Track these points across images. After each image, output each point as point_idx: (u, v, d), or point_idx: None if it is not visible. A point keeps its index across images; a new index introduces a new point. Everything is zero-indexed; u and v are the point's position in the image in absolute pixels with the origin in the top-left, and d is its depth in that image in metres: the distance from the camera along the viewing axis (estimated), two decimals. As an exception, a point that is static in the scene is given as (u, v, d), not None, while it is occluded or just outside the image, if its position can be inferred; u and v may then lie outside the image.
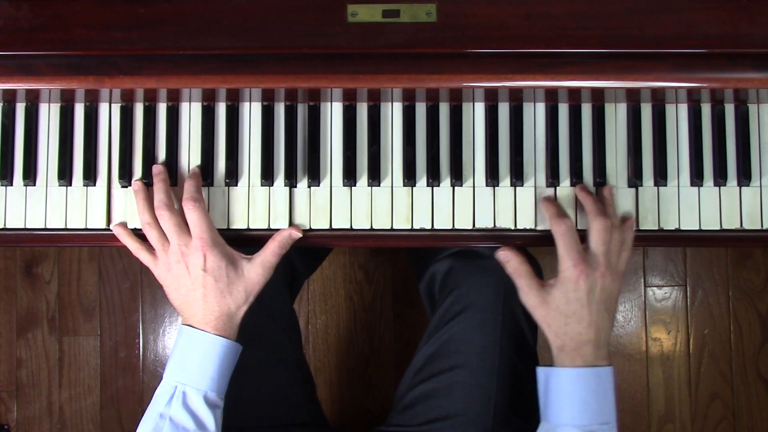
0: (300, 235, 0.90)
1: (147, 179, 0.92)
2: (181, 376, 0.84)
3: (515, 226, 0.92)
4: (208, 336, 0.85)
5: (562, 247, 0.85)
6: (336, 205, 0.92)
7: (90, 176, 0.92)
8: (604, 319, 0.85)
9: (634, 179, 0.92)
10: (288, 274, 1.12)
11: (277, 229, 0.91)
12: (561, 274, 0.85)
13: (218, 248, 0.86)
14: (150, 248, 0.89)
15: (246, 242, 0.92)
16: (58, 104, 0.93)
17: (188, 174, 0.92)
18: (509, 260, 0.88)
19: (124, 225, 0.91)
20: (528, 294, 0.87)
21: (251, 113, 0.93)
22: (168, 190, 0.89)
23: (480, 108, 0.93)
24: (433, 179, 0.92)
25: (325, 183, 0.93)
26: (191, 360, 0.85)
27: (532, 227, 0.92)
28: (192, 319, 0.87)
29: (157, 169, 0.91)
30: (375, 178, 0.92)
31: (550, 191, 0.93)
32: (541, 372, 0.87)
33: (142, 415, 0.85)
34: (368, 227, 0.92)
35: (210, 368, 0.84)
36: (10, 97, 0.92)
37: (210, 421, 0.84)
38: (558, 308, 0.84)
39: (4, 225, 0.92)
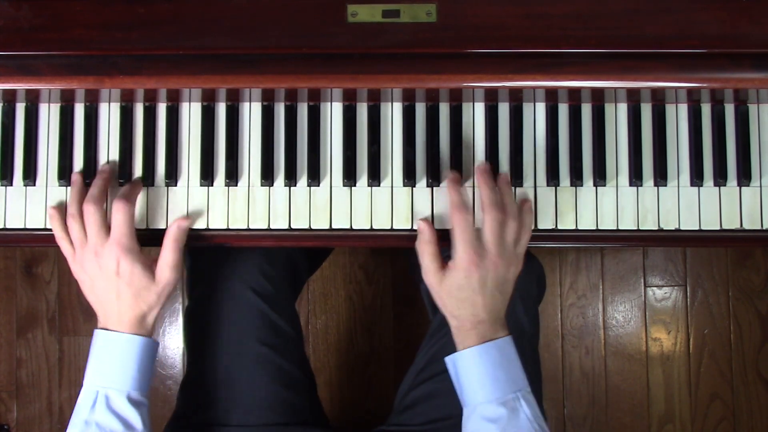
0: (187, 222, 0.89)
1: (147, 180, 0.92)
2: (102, 380, 0.84)
3: (515, 226, 0.92)
4: (123, 336, 0.85)
5: (459, 237, 0.86)
6: (336, 205, 0.92)
7: (90, 176, 0.92)
8: (497, 301, 0.87)
9: (634, 179, 0.92)
10: (290, 273, 1.12)
11: (278, 230, 0.91)
12: (455, 261, 0.86)
13: (132, 255, 0.85)
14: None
15: (246, 242, 0.91)
16: (58, 104, 0.93)
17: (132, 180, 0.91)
18: (423, 232, 0.88)
19: (59, 208, 0.90)
20: (427, 274, 0.88)
21: (251, 113, 0.93)
22: (105, 188, 0.89)
23: (480, 108, 0.93)
24: (433, 179, 0.92)
25: (325, 183, 0.93)
26: (110, 362, 0.85)
27: (532, 227, 0.92)
28: (106, 319, 0.87)
29: (104, 167, 0.91)
30: (375, 178, 0.92)
31: (550, 191, 0.93)
32: (449, 361, 0.89)
33: None
34: (368, 227, 0.92)
35: (130, 367, 0.84)
36: (10, 97, 0.92)
37: (136, 420, 0.83)
38: (451, 293, 0.86)
39: (4, 225, 0.92)
